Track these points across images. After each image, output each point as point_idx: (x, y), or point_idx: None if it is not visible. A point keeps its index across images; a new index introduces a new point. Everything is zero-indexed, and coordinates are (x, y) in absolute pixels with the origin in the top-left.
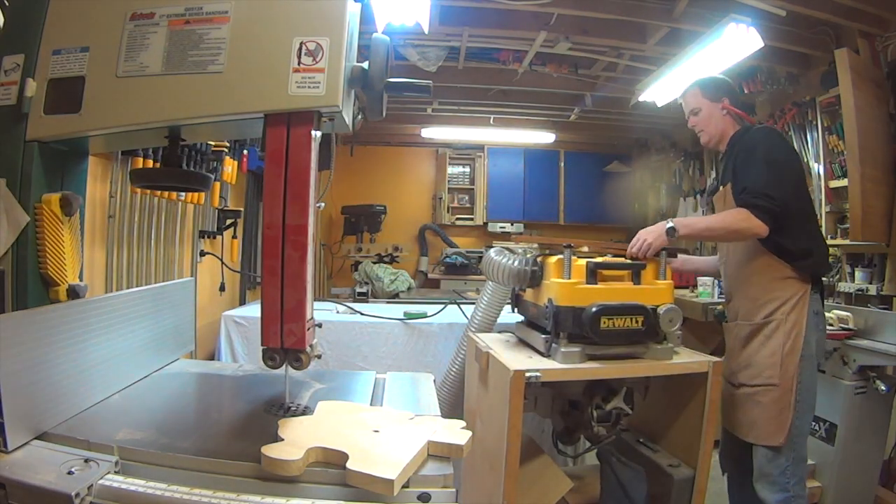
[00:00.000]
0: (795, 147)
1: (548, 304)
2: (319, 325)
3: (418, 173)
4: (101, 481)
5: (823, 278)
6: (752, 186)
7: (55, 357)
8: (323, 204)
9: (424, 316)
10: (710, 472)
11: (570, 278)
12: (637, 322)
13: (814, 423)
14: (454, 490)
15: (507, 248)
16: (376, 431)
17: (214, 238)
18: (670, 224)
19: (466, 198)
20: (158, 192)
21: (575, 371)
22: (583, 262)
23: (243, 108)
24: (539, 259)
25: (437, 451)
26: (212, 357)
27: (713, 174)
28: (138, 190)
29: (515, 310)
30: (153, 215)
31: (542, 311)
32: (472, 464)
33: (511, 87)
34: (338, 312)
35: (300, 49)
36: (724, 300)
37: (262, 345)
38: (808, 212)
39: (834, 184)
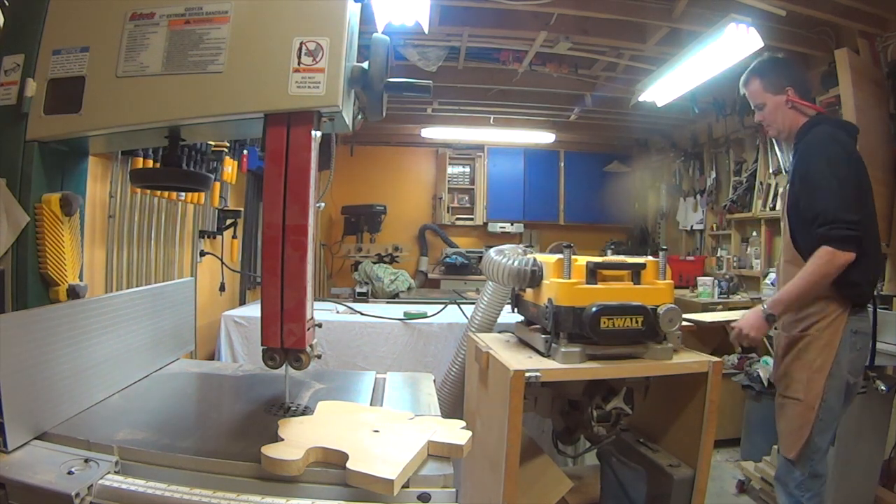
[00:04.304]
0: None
1: (548, 304)
2: (319, 325)
3: (418, 173)
4: (101, 481)
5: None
6: (826, 212)
7: (55, 357)
8: (323, 204)
9: (424, 316)
10: (710, 472)
11: (569, 278)
12: (637, 322)
13: None
14: (454, 490)
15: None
16: (376, 431)
17: (214, 238)
18: (768, 311)
19: (466, 198)
20: (158, 192)
21: (575, 371)
22: (583, 261)
23: (243, 108)
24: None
25: (437, 451)
26: (212, 357)
27: (713, 174)
28: (138, 190)
29: (515, 310)
30: (153, 215)
31: (542, 311)
32: (472, 464)
33: (511, 87)
34: (338, 312)
35: (300, 49)
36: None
37: (262, 345)
38: (869, 233)
39: None
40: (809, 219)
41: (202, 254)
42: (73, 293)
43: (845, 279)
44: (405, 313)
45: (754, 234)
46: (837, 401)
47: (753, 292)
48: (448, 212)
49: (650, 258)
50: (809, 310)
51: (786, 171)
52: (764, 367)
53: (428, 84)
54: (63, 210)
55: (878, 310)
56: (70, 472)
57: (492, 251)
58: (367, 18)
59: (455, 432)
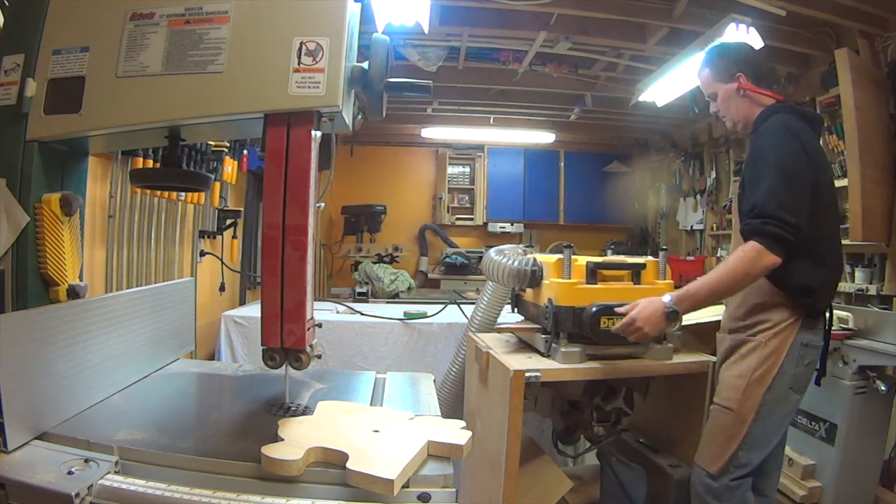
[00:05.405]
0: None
1: (548, 304)
2: (319, 325)
3: (418, 173)
4: (101, 481)
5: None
6: (764, 205)
7: (55, 357)
8: (323, 204)
9: (424, 316)
10: None
11: (569, 278)
12: None
13: (814, 423)
14: (454, 490)
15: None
16: (376, 431)
17: (214, 238)
18: (671, 306)
19: (466, 198)
20: (158, 192)
21: (575, 371)
22: (582, 261)
23: (243, 108)
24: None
25: (437, 451)
26: (212, 357)
27: (713, 174)
28: (138, 190)
29: (515, 310)
30: (153, 215)
31: (542, 311)
32: (472, 464)
33: (511, 87)
34: (338, 312)
35: (300, 49)
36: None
37: (262, 345)
38: (821, 236)
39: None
40: (746, 209)
41: (202, 254)
42: (73, 293)
43: (801, 285)
44: (405, 313)
45: None
46: (775, 417)
47: None
48: (448, 212)
49: (650, 258)
50: (758, 317)
51: None
52: None
53: (428, 84)
54: (63, 210)
55: (831, 325)
56: (70, 472)
57: (492, 251)
58: (367, 18)
59: (455, 432)
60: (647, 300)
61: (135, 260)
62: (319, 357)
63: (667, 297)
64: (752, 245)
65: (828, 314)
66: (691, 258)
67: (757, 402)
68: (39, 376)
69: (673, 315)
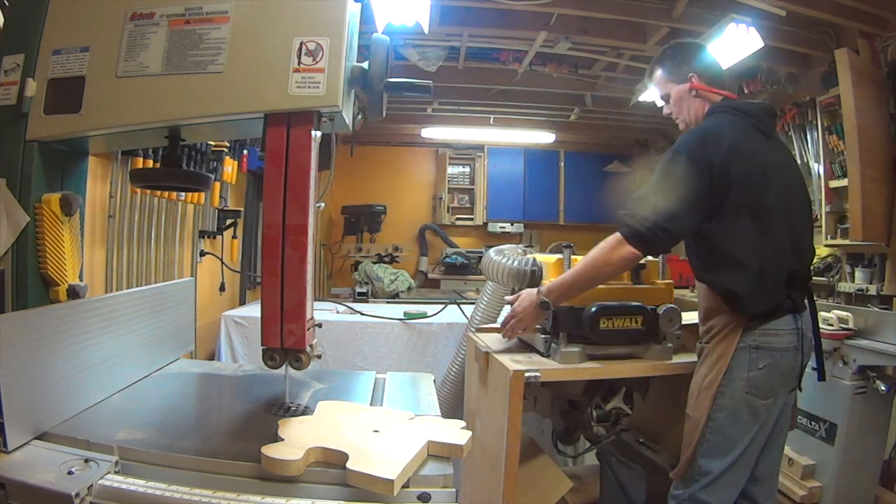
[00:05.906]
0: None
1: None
2: (319, 325)
3: (418, 173)
4: (101, 481)
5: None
6: (634, 201)
7: (55, 357)
8: (323, 204)
9: (424, 316)
10: None
11: None
12: (636, 322)
13: (814, 423)
14: (454, 490)
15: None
16: (376, 431)
17: (214, 238)
18: (542, 297)
19: (466, 198)
20: (158, 192)
21: (574, 371)
22: None
23: (243, 108)
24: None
25: (437, 451)
26: (212, 357)
27: None
28: (138, 190)
29: None
30: (153, 215)
31: None
32: (472, 464)
33: (511, 87)
34: (338, 312)
35: (300, 49)
36: None
37: (262, 345)
38: (745, 240)
39: (834, 184)
40: None
41: (202, 254)
42: (73, 293)
43: (723, 290)
44: (405, 313)
45: None
46: (733, 424)
47: None
48: (448, 212)
49: (650, 258)
50: (708, 323)
51: None
52: None
53: (428, 84)
54: (63, 210)
55: (817, 324)
56: (70, 472)
57: (492, 251)
58: (367, 18)
59: (455, 432)
60: (525, 292)
61: (135, 260)
62: (319, 357)
63: (540, 288)
64: (614, 235)
65: (803, 314)
66: None
67: (707, 408)
68: (39, 376)
69: (545, 305)
